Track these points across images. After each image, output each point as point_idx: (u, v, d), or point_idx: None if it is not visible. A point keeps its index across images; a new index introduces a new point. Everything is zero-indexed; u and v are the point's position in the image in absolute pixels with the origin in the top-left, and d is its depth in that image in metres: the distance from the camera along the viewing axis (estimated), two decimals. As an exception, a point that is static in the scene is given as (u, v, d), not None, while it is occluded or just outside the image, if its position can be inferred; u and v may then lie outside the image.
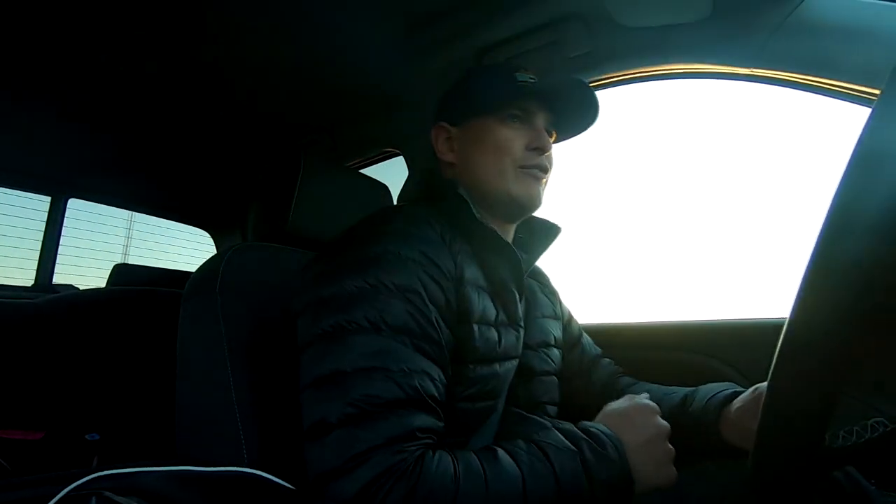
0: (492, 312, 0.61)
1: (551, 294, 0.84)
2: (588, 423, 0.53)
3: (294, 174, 0.75)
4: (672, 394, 0.74)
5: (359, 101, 1.22)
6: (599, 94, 0.72)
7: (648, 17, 0.85)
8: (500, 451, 0.48)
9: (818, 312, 0.28)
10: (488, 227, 0.62)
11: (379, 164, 1.47)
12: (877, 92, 0.48)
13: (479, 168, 0.67)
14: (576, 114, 0.72)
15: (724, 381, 0.74)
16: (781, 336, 0.30)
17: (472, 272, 0.59)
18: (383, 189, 0.89)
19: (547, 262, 0.83)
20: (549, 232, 0.75)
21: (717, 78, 0.88)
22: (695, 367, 0.93)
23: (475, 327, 0.57)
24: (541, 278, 0.85)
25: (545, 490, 0.46)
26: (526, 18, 0.90)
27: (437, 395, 0.50)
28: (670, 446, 0.53)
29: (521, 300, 0.66)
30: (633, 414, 0.54)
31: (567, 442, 0.50)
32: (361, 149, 1.42)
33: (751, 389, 0.63)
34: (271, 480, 0.44)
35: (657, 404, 0.71)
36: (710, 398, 0.67)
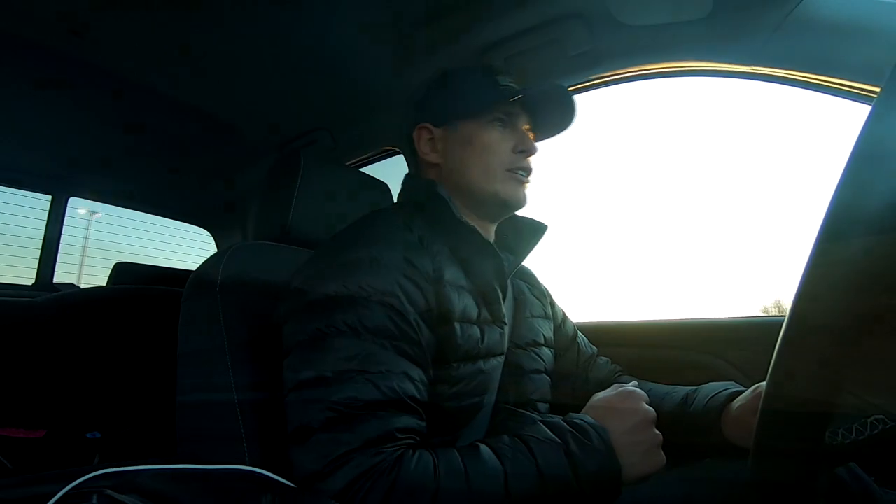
0: (473, 311, 0.62)
1: (541, 295, 0.84)
2: (574, 415, 0.54)
3: (294, 173, 0.75)
4: (673, 393, 0.74)
5: (359, 100, 1.22)
6: (599, 92, 0.72)
7: (649, 15, 0.85)
8: (483, 448, 0.49)
9: (818, 310, 0.28)
10: (470, 226, 0.64)
11: (379, 163, 1.47)
12: (877, 90, 0.48)
13: (467, 169, 0.68)
14: (554, 117, 0.74)
15: (725, 379, 0.74)
16: (781, 334, 0.30)
17: (452, 272, 0.60)
18: (383, 187, 0.89)
19: (548, 261, 0.84)
20: (535, 231, 0.76)
21: (718, 76, 0.88)
22: (696, 365, 0.93)
23: (457, 326, 0.58)
24: (530, 279, 0.85)
25: (528, 484, 0.47)
26: (526, 17, 0.90)
27: (417, 395, 0.51)
28: (657, 432, 0.54)
29: (504, 299, 0.67)
30: (618, 402, 0.55)
31: (552, 435, 0.50)
32: (361, 147, 1.42)
33: (751, 388, 0.64)
34: (272, 478, 0.44)
35: (658, 403, 0.71)
36: (711, 397, 0.67)
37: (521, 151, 0.69)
